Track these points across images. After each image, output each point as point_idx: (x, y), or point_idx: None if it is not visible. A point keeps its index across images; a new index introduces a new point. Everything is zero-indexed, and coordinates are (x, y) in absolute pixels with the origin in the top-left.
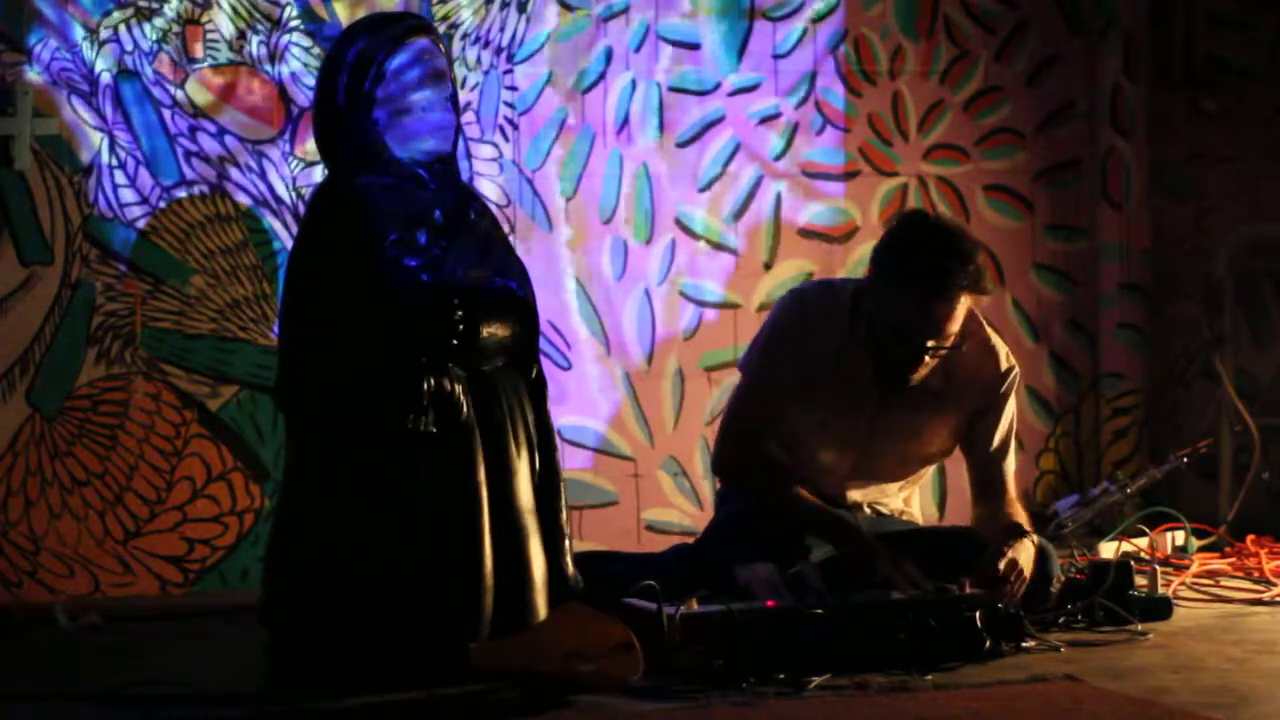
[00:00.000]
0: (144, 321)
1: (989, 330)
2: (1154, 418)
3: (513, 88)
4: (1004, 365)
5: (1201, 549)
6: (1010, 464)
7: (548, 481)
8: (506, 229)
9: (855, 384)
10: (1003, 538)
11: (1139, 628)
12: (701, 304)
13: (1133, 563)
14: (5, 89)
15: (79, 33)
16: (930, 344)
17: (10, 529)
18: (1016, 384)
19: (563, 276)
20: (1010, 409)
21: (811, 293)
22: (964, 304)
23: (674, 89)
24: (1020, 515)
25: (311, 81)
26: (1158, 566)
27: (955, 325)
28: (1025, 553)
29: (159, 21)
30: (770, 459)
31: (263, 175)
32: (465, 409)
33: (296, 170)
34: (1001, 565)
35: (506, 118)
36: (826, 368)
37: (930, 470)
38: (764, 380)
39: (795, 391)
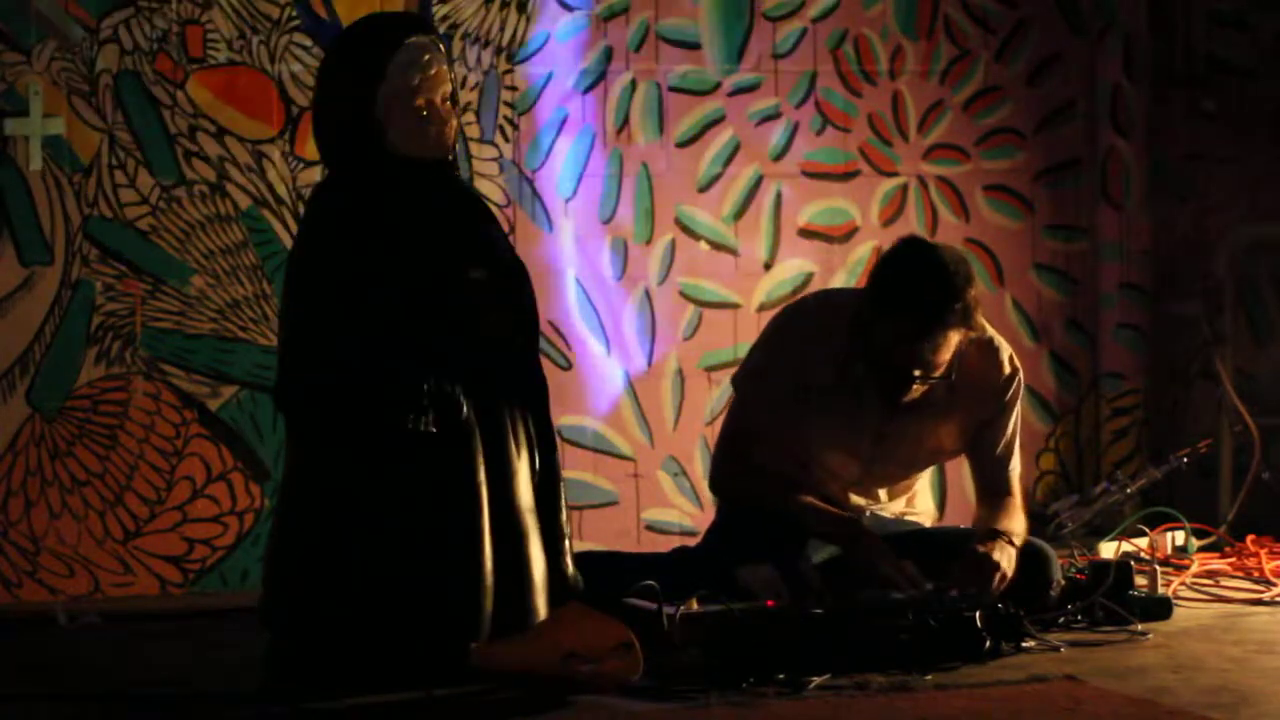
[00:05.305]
0: (144, 321)
1: (991, 331)
2: (1154, 418)
3: (513, 88)
4: (1008, 369)
5: (1201, 549)
6: (1015, 467)
7: (548, 482)
8: (506, 229)
9: (860, 395)
10: (977, 541)
11: (1139, 628)
12: (701, 304)
13: (1133, 563)
14: (9, 89)
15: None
16: (917, 374)
17: (10, 529)
18: (1021, 388)
19: (563, 276)
20: (1015, 414)
21: (809, 307)
22: (953, 337)
23: (674, 89)
24: (1011, 518)
25: (311, 81)
26: (1158, 566)
27: (944, 356)
28: (1001, 553)
29: (159, 21)
30: (769, 468)
31: (263, 175)
32: (465, 409)
33: (297, 170)
34: (981, 570)
35: (506, 118)
36: (829, 381)
37: (925, 474)
38: (759, 397)
39: (796, 405)
